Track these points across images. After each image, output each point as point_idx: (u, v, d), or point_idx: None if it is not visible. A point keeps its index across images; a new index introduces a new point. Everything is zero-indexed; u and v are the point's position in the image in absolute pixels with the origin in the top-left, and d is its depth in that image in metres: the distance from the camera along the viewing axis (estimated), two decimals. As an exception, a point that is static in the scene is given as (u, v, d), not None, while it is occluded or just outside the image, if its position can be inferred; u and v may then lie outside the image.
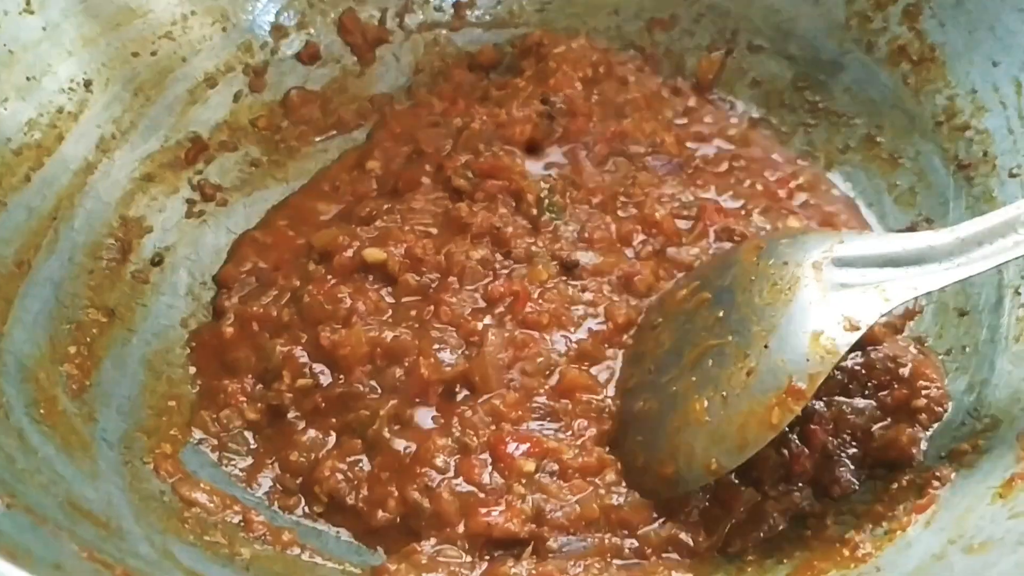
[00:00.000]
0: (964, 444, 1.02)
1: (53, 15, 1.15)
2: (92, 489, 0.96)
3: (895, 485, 1.02)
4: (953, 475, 0.99)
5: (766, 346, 0.97)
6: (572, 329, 1.12)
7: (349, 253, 1.14)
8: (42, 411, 1.00)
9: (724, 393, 0.98)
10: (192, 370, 1.14)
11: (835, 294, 0.98)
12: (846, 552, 0.97)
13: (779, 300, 1.00)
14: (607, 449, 1.05)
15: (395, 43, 1.35)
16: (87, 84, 1.17)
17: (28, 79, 1.13)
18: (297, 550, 1.01)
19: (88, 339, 1.10)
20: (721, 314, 1.03)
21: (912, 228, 1.20)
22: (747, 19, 1.32)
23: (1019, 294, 1.09)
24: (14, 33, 1.12)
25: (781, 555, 0.99)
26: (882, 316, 0.98)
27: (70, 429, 1.01)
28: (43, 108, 1.14)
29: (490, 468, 1.02)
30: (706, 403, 0.99)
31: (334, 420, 1.07)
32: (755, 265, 1.04)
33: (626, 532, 1.00)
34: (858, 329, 0.96)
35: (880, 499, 1.01)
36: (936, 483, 0.99)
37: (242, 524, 1.01)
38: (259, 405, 1.10)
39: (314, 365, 1.09)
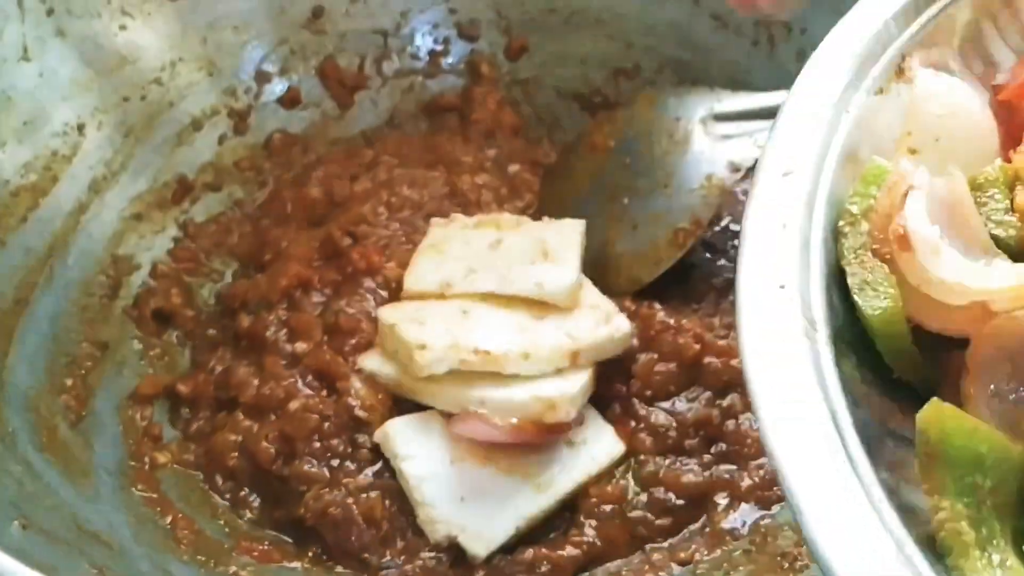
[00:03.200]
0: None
1: (49, 62, 1.25)
2: (95, 512, 1.05)
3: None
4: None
5: (666, 186, 1.25)
6: None
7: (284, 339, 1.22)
8: (44, 440, 1.10)
9: (635, 224, 1.25)
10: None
11: (720, 144, 1.25)
12: (786, 564, 1.07)
13: (676, 151, 1.27)
14: None
15: (373, 88, 1.45)
16: (80, 128, 1.27)
17: (24, 123, 1.23)
18: (287, 565, 1.10)
19: (83, 372, 1.20)
20: (627, 160, 1.30)
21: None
22: (705, 71, 1.41)
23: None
24: (12, 80, 1.22)
25: (728, 567, 1.09)
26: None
27: (71, 457, 1.11)
28: (38, 151, 1.23)
29: None
30: (621, 232, 1.26)
31: None
32: (651, 119, 1.31)
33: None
34: (739, 171, 1.22)
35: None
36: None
37: (232, 545, 1.11)
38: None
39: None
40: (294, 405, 1.14)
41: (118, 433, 1.17)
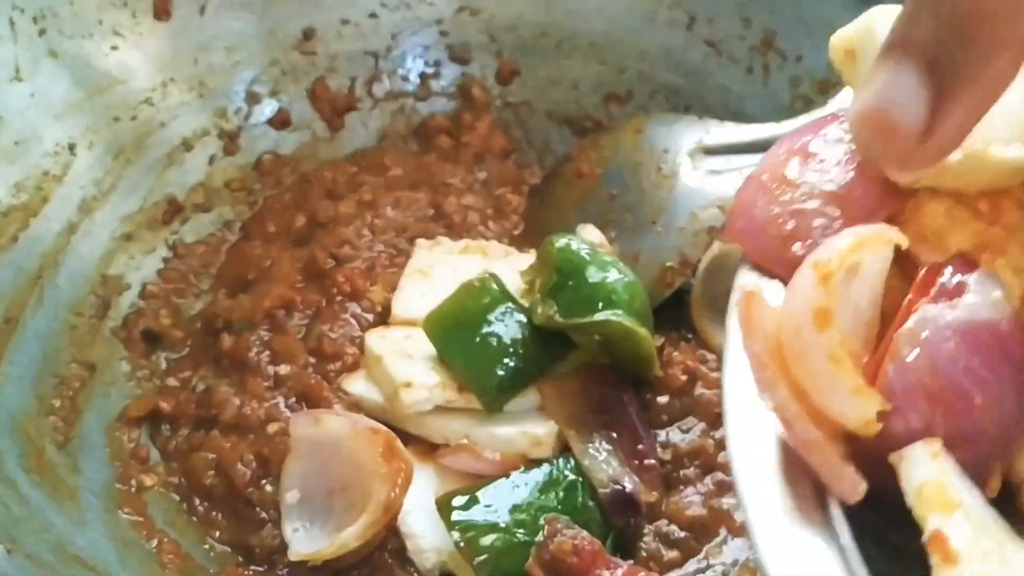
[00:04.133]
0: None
1: (41, 82, 1.27)
2: (80, 536, 1.06)
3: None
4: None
5: (654, 222, 1.27)
6: None
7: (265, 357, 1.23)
8: (31, 462, 1.11)
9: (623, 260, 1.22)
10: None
11: (709, 179, 1.26)
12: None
13: (664, 185, 1.29)
14: None
15: (363, 110, 1.47)
16: (71, 147, 1.29)
17: (16, 143, 1.24)
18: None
19: (71, 393, 1.20)
20: (615, 192, 1.33)
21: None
22: (698, 97, 1.44)
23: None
24: (3, 100, 1.24)
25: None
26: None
27: (57, 479, 1.12)
28: (29, 171, 1.25)
29: None
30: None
31: None
32: (638, 148, 1.34)
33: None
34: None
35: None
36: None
37: (217, 570, 1.11)
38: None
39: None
40: (273, 428, 1.16)
41: (105, 455, 1.18)
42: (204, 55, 1.39)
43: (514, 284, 1.19)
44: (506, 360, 1.14)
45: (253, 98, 1.43)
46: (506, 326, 1.15)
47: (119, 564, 1.06)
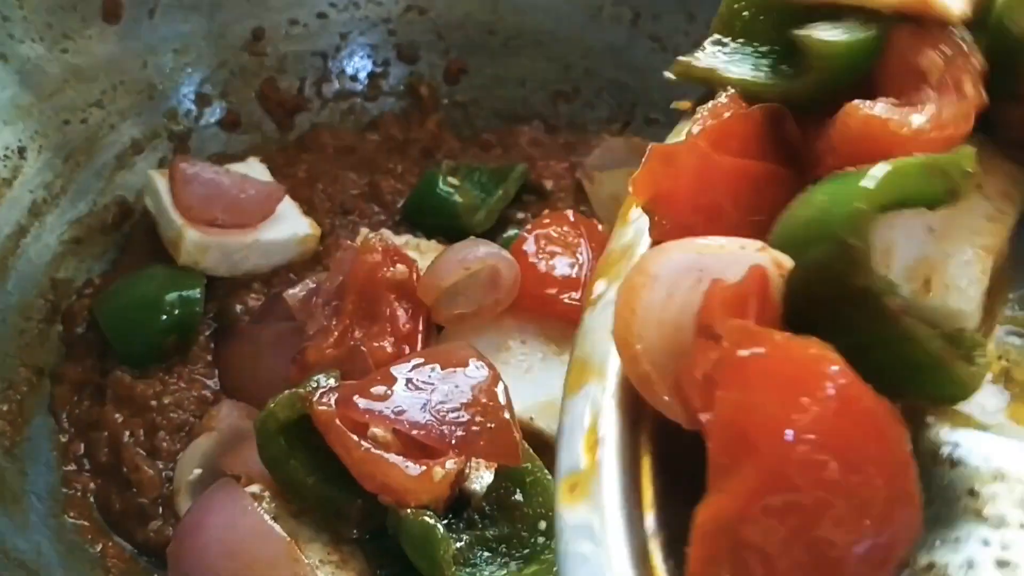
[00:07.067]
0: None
1: (-11, 87, 1.28)
2: (23, 539, 1.08)
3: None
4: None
5: None
6: None
7: None
8: (-24, 466, 1.12)
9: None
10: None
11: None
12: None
13: None
14: None
15: (312, 110, 1.49)
16: (21, 151, 1.30)
17: (-35, 148, 1.25)
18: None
19: (19, 397, 1.22)
20: None
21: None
22: (644, 94, 1.46)
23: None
24: (-47, 106, 1.25)
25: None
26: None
27: (2, 482, 1.13)
28: (-22, 176, 1.26)
29: None
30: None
31: None
32: None
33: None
34: None
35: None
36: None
37: (163, 573, 1.10)
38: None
39: None
40: (167, 399, 1.19)
41: (52, 459, 1.19)
42: (153, 58, 1.40)
43: None
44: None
45: (203, 100, 1.44)
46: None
47: (62, 568, 1.08)
